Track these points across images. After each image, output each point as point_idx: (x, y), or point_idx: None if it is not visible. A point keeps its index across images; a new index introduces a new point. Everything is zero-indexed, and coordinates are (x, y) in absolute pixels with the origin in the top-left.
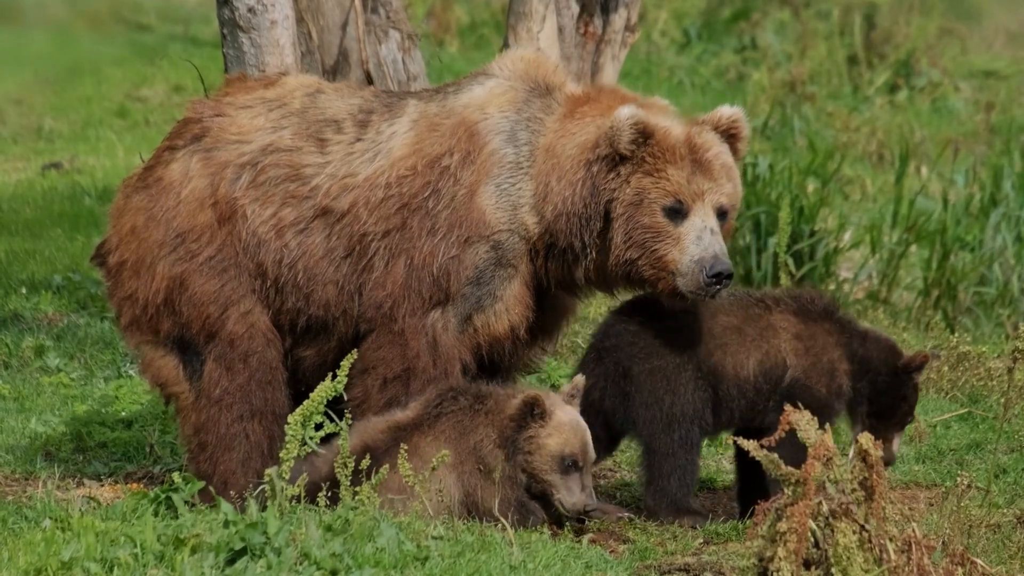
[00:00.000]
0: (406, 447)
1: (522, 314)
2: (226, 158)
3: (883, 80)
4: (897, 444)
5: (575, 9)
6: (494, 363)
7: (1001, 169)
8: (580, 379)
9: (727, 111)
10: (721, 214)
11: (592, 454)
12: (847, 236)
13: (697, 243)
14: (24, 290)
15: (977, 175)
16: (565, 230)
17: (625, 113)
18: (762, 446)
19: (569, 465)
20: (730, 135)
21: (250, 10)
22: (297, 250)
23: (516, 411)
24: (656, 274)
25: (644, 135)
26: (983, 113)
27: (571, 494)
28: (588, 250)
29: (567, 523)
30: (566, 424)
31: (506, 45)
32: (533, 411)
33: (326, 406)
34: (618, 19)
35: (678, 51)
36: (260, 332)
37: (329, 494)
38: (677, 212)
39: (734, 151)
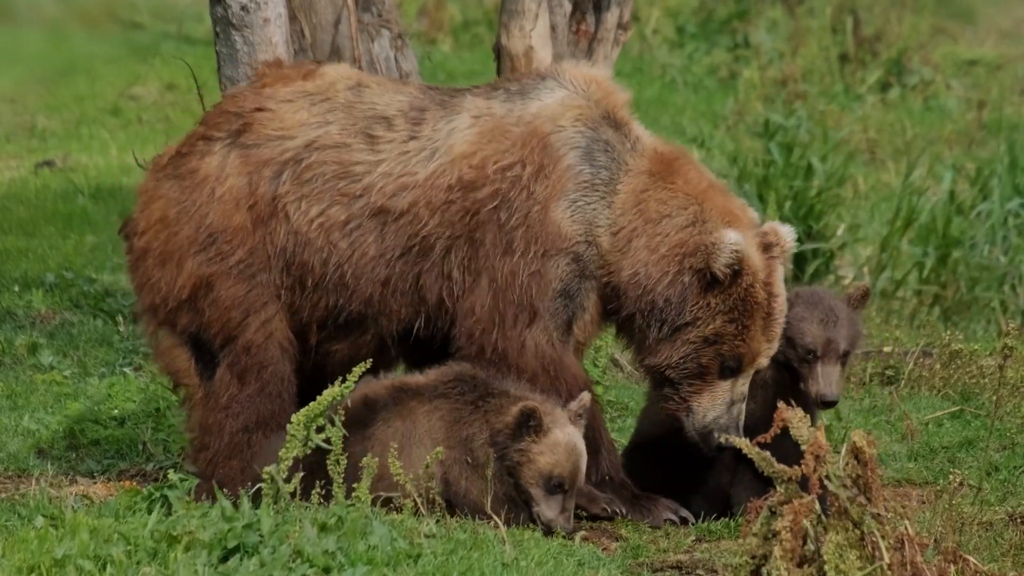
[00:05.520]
0: (402, 409)
1: (598, 327)
2: (267, 155)
3: (875, 78)
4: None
5: (568, 7)
6: None
7: (992, 167)
8: (586, 396)
9: (789, 234)
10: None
11: (582, 479)
12: (840, 231)
13: (727, 408)
14: (17, 288)
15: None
16: (634, 302)
17: (732, 239)
18: (756, 444)
19: (555, 485)
20: (783, 253)
21: (243, 8)
22: (347, 249)
23: (512, 419)
24: (675, 398)
25: (739, 267)
26: (975, 111)
27: (550, 511)
28: (643, 335)
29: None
30: (561, 445)
31: (498, 43)
32: (528, 423)
33: None
34: (611, 17)
35: (670, 49)
36: (277, 342)
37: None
38: (731, 369)
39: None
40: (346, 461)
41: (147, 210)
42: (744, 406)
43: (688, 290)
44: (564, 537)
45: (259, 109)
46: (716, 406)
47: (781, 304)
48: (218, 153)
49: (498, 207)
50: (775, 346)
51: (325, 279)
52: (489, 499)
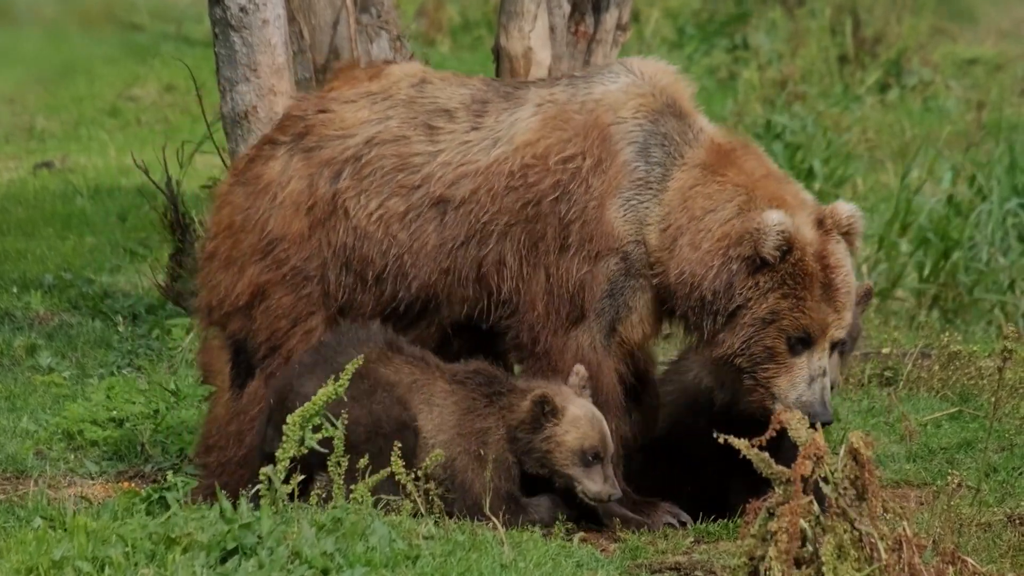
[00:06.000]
0: (426, 369)
1: (654, 325)
2: (328, 155)
3: (874, 79)
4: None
5: (567, 8)
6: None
7: (991, 167)
8: (581, 368)
9: (846, 209)
10: (834, 344)
11: (611, 443)
12: None
13: (808, 384)
14: (15, 289)
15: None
16: (684, 300)
17: (774, 219)
18: (752, 445)
19: (591, 457)
20: (847, 234)
21: (242, 9)
22: (407, 240)
23: (527, 413)
24: (755, 388)
25: (788, 245)
26: (974, 112)
27: (594, 484)
28: (699, 331)
29: (558, 522)
30: (582, 418)
31: (497, 44)
32: (544, 410)
33: None
34: (610, 18)
35: (670, 50)
36: None
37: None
38: (801, 342)
39: (850, 246)
40: (368, 384)
41: (218, 215)
42: (827, 380)
43: (735, 276)
44: (564, 537)
45: (321, 111)
46: (796, 385)
47: (843, 275)
48: (281, 158)
49: (558, 199)
50: (847, 317)
51: (386, 271)
52: (488, 499)
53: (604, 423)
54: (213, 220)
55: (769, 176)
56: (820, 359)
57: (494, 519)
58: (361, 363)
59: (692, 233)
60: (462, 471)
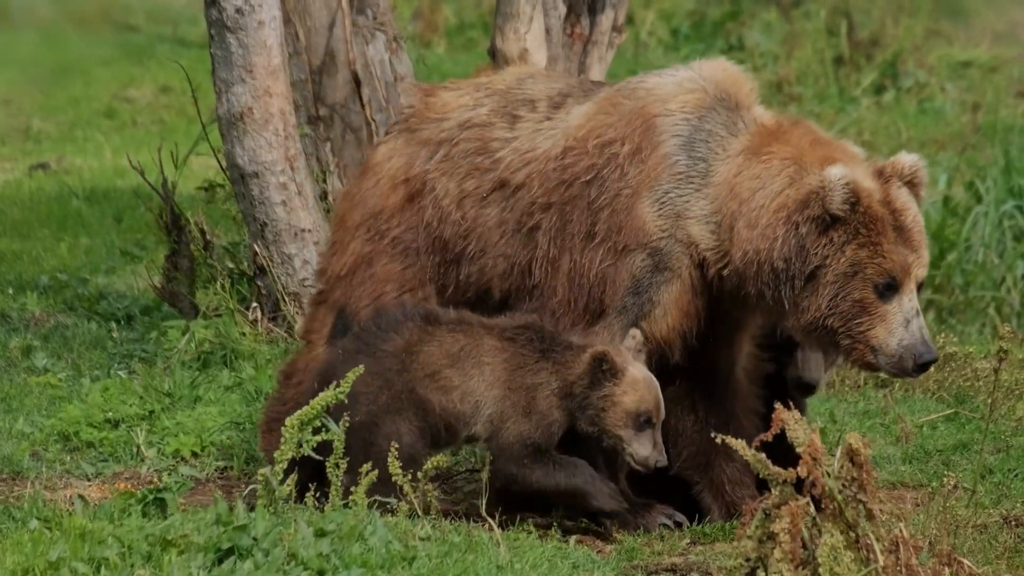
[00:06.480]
0: (469, 330)
1: (682, 319)
2: (426, 136)
3: (869, 81)
4: None
5: (562, 10)
6: (682, 368)
7: (987, 169)
8: (637, 332)
9: (908, 159)
10: (919, 286)
11: (664, 411)
12: None
13: (905, 327)
14: (11, 290)
15: (963, 175)
16: (755, 279)
17: (837, 174)
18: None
19: (644, 422)
20: (911, 183)
21: (238, 11)
22: (473, 221)
23: (586, 368)
24: (854, 345)
25: (855, 197)
26: (970, 113)
27: (643, 448)
28: (780, 303)
29: (555, 523)
30: (640, 381)
31: (493, 46)
32: (603, 367)
33: None
34: (605, 20)
35: (665, 51)
36: None
37: (317, 493)
38: (888, 288)
39: (916, 199)
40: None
41: (335, 213)
42: (922, 320)
43: (806, 238)
44: (560, 538)
45: (428, 95)
46: (894, 331)
47: (912, 216)
48: (388, 142)
49: (590, 182)
50: (925, 255)
51: (458, 250)
52: (484, 501)
53: (659, 389)
54: (334, 218)
55: (817, 142)
56: (911, 300)
57: (490, 520)
58: (381, 360)
59: (746, 215)
60: (504, 426)
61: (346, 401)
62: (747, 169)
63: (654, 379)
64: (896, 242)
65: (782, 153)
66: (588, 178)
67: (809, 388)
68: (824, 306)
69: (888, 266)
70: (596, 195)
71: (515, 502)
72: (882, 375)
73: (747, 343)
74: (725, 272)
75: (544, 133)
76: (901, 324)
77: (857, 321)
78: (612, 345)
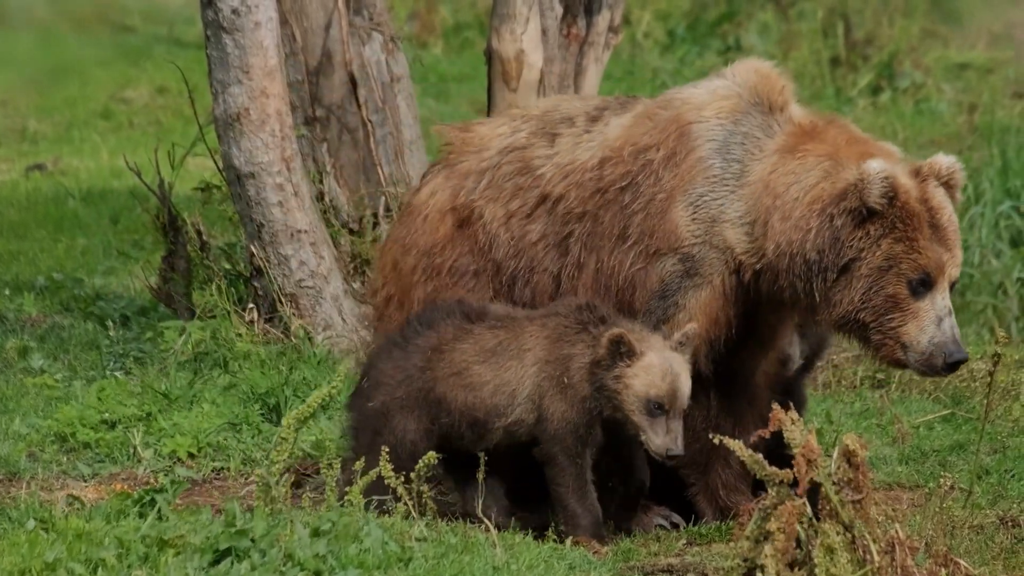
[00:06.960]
0: (509, 323)
1: (709, 326)
2: (468, 167)
3: (866, 82)
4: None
5: (559, 10)
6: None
7: (983, 170)
8: (692, 327)
9: (945, 161)
10: (952, 285)
11: (684, 400)
12: None
13: (937, 325)
14: (7, 291)
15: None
16: (787, 271)
17: (876, 167)
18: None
19: (655, 407)
20: (947, 184)
21: (234, 12)
22: (520, 240)
23: (604, 348)
24: (884, 341)
25: (893, 191)
26: (966, 114)
27: (656, 436)
28: (812, 296)
29: (552, 524)
30: (655, 366)
31: (489, 47)
32: (619, 349)
33: None
34: (601, 21)
35: (661, 52)
36: None
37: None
38: (922, 285)
39: (952, 200)
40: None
41: (381, 263)
42: (954, 319)
43: (841, 231)
44: (556, 539)
45: (464, 131)
46: (926, 328)
47: (948, 215)
48: (429, 182)
49: (625, 188)
50: (959, 254)
51: (513, 272)
52: (480, 502)
53: (679, 378)
54: (378, 271)
55: (853, 140)
56: (944, 298)
57: (486, 521)
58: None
59: (780, 208)
60: (548, 409)
61: (366, 387)
62: (782, 166)
63: (676, 368)
64: (932, 239)
65: (817, 151)
66: (623, 184)
67: (782, 363)
68: (857, 300)
69: (923, 262)
70: (630, 200)
71: (517, 501)
72: (911, 373)
73: (774, 351)
74: (758, 266)
75: (583, 145)
76: (933, 322)
77: (889, 316)
78: (639, 330)
